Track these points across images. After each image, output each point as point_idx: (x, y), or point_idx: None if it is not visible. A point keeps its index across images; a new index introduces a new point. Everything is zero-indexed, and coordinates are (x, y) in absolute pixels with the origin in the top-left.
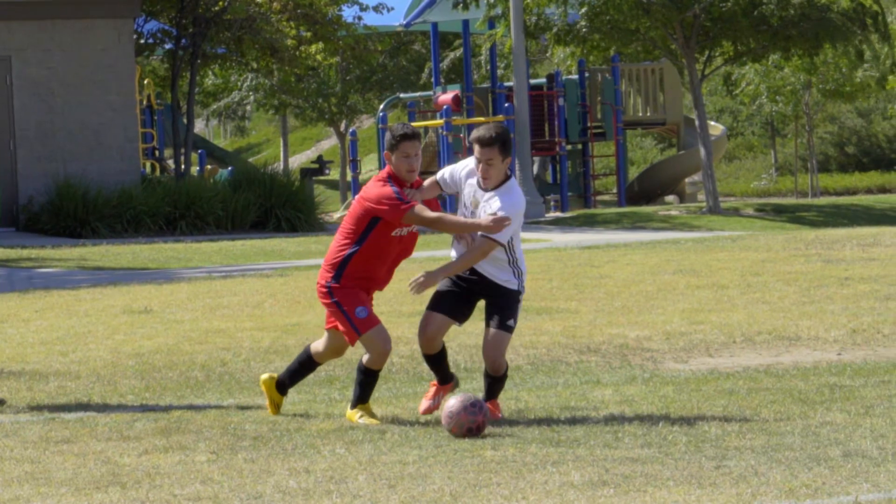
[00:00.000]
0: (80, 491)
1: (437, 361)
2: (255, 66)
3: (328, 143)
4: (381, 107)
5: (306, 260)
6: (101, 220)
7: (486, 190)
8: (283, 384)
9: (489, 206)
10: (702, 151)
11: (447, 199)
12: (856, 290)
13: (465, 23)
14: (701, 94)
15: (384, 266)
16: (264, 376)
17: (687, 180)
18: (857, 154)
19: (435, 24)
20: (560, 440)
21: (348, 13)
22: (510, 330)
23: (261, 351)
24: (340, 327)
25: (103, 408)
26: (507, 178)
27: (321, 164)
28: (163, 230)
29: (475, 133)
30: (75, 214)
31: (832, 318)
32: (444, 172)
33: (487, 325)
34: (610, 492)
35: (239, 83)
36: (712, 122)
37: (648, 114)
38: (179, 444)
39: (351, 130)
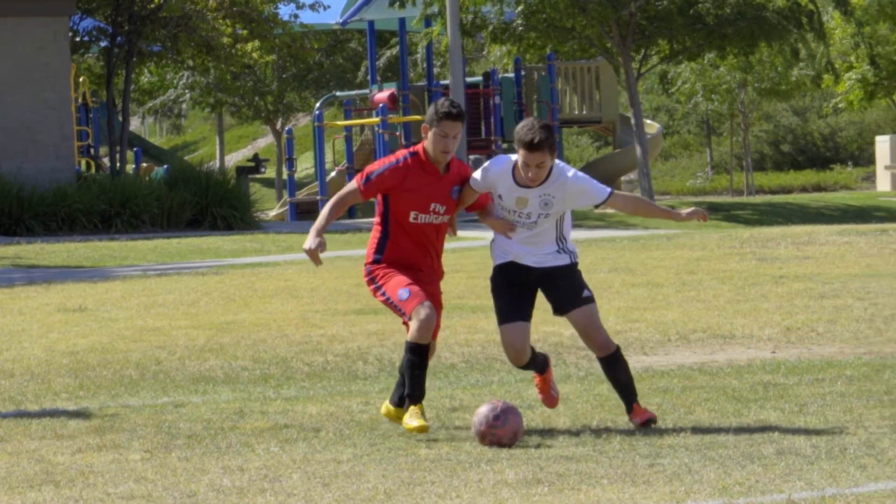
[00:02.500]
0: (14, 490)
1: (529, 363)
2: (190, 63)
3: (264, 142)
4: (318, 105)
5: (242, 258)
6: (35, 218)
7: (528, 187)
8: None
9: (564, 196)
10: (637, 150)
11: None
12: (790, 288)
13: (402, 21)
14: (637, 92)
15: (425, 253)
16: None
17: (623, 178)
18: (792, 153)
19: (371, 23)
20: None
21: (284, 11)
22: (591, 300)
23: (196, 349)
24: (393, 312)
25: (37, 406)
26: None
27: (257, 162)
28: (98, 228)
29: (521, 136)
30: (10, 212)
31: (766, 317)
32: (476, 175)
33: (566, 310)
34: (544, 490)
35: (175, 81)
36: (648, 121)
37: (584, 112)
38: (113, 443)
39: (287, 129)
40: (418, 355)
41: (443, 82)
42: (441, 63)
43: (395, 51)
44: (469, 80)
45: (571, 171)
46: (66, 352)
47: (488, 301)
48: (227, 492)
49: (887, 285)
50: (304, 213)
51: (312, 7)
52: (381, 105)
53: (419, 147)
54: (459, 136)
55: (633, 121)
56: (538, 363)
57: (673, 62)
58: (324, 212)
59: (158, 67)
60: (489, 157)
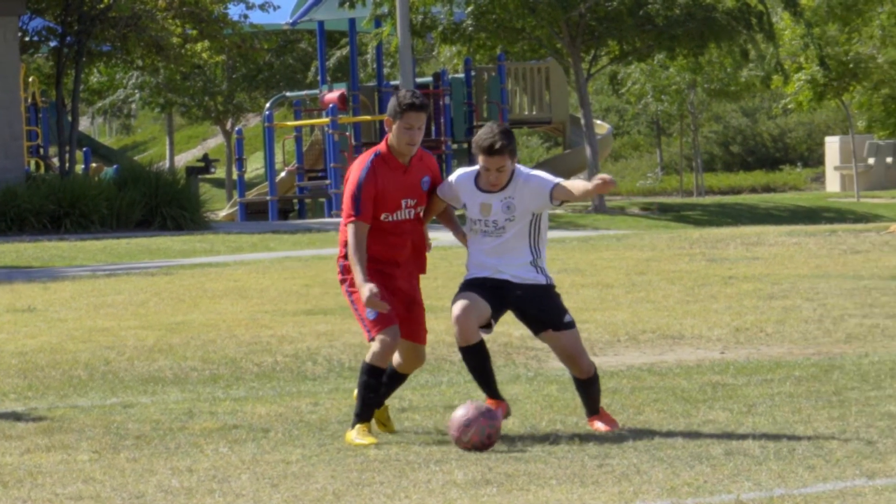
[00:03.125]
0: None
1: (481, 363)
2: (140, 63)
3: (214, 142)
4: (268, 105)
5: (191, 258)
6: None
7: (490, 192)
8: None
9: (522, 196)
10: (587, 150)
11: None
12: (739, 288)
13: (352, 21)
14: (587, 92)
15: (402, 247)
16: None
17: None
18: (741, 153)
19: (321, 23)
20: (444, 439)
21: (234, 11)
22: (574, 326)
23: (145, 349)
24: (360, 327)
25: None
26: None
27: (207, 162)
28: (47, 228)
29: (480, 141)
30: None
31: (716, 317)
32: (444, 183)
33: (546, 332)
34: (493, 490)
35: (124, 81)
36: (598, 121)
37: (534, 112)
38: (62, 444)
39: (237, 129)
40: (375, 377)
41: (393, 83)
42: (391, 63)
43: (344, 51)
44: (419, 80)
45: (526, 171)
46: (14, 352)
47: (437, 301)
48: (175, 493)
49: (836, 286)
50: (253, 213)
51: (262, 7)
52: (330, 105)
53: (381, 145)
54: (423, 126)
55: (582, 121)
56: (492, 382)
57: (623, 63)
58: (354, 265)
59: (108, 67)
60: (439, 157)
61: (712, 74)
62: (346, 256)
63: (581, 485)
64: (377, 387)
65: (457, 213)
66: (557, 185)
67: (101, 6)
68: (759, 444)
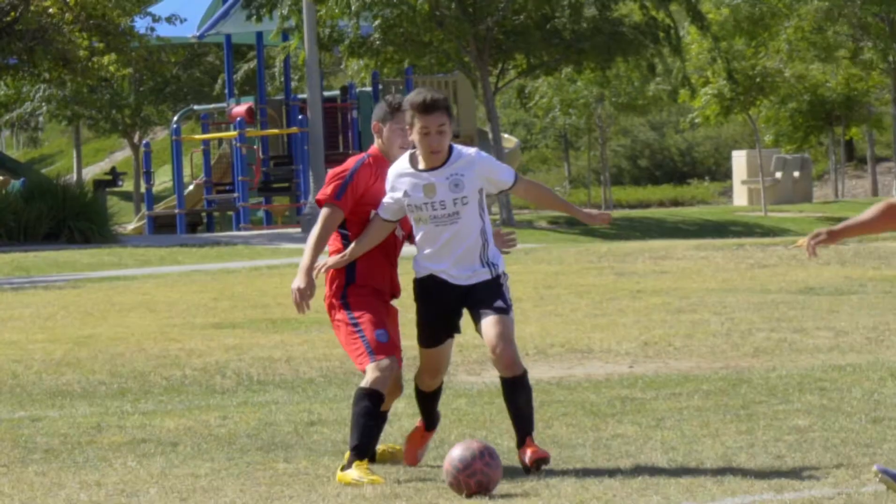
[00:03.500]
0: None
1: (433, 399)
2: (47, 76)
3: (122, 155)
4: (175, 118)
5: (99, 272)
6: None
7: (433, 169)
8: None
9: (473, 174)
10: None
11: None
12: (647, 302)
13: (259, 35)
14: (494, 106)
15: (391, 267)
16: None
17: None
18: (649, 167)
19: (228, 36)
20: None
21: (141, 24)
22: (506, 311)
23: (53, 363)
24: (350, 351)
25: None
26: (450, 147)
27: (114, 175)
28: None
29: (412, 100)
30: None
31: (624, 331)
32: (383, 203)
33: (478, 321)
34: None
35: (31, 94)
36: (506, 135)
37: None
38: None
39: (144, 142)
40: (374, 402)
41: (300, 96)
42: (299, 77)
43: (252, 64)
44: (327, 93)
45: (473, 149)
46: None
47: None
48: None
49: (744, 300)
50: (162, 226)
51: (169, 20)
52: (238, 119)
53: (371, 150)
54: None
55: (490, 135)
56: (434, 413)
57: (530, 76)
58: (308, 248)
59: (14, 80)
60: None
61: (620, 88)
62: (348, 283)
63: (490, 499)
64: (376, 414)
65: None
66: (519, 178)
67: (8, 19)
68: (668, 457)
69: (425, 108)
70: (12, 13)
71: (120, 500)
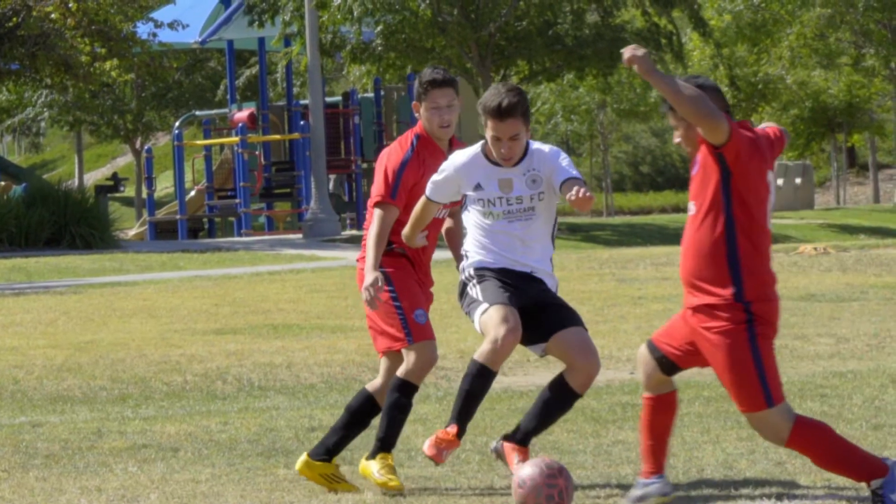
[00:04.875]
0: None
1: (483, 391)
2: (49, 82)
3: (123, 160)
4: (177, 124)
5: (101, 277)
6: None
7: (512, 166)
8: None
9: (548, 170)
10: None
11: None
12: (649, 309)
13: (261, 40)
14: None
15: (427, 260)
16: (299, 464)
17: None
18: (651, 173)
19: (231, 42)
20: (353, 459)
21: (143, 30)
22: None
23: (54, 368)
24: (384, 328)
25: None
26: (527, 144)
27: (116, 181)
28: None
29: (487, 102)
30: None
31: (625, 337)
32: (434, 179)
33: (556, 330)
34: None
35: (33, 99)
36: None
37: None
38: None
39: (146, 147)
40: (408, 396)
41: (302, 102)
42: (301, 82)
43: (254, 70)
44: (328, 99)
45: (547, 146)
46: None
47: (348, 321)
48: None
49: None
50: (163, 232)
51: (171, 26)
52: (240, 124)
53: (418, 129)
54: (456, 105)
55: None
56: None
57: (532, 83)
58: (370, 249)
59: (16, 86)
60: (349, 176)
61: (622, 94)
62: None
63: (490, 502)
64: (408, 407)
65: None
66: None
67: (10, 25)
68: (669, 463)
69: (499, 114)
70: (14, 18)
71: None
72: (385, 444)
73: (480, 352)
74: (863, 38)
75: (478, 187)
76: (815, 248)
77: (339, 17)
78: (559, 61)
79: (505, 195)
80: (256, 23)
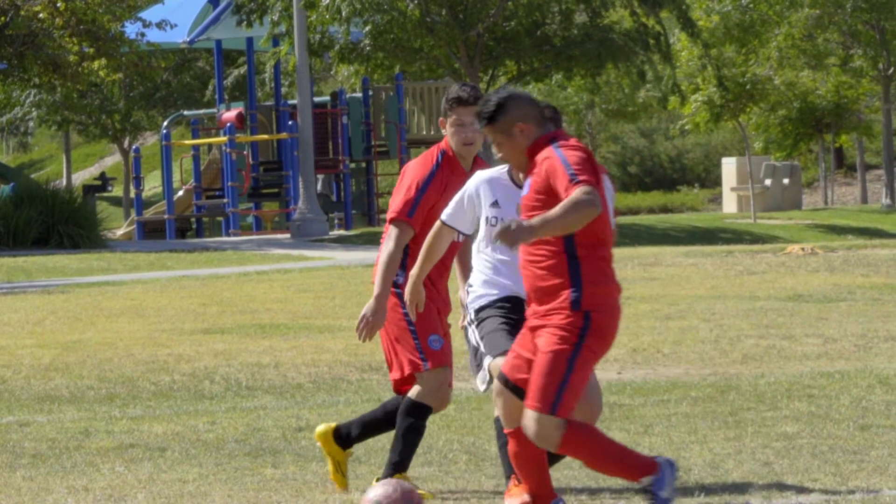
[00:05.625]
0: None
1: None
2: (37, 81)
3: (112, 160)
4: (165, 124)
5: (88, 277)
6: None
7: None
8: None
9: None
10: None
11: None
12: (637, 309)
13: (250, 40)
14: None
15: (443, 281)
16: (320, 428)
17: None
18: (639, 174)
19: (219, 42)
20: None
21: (131, 30)
22: None
23: (41, 368)
24: (399, 353)
25: None
26: None
27: (104, 180)
28: None
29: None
30: None
31: None
32: (453, 211)
33: None
34: None
35: (21, 99)
36: None
37: (433, 132)
38: None
39: (134, 147)
40: (423, 419)
41: (291, 102)
42: (289, 82)
43: (242, 70)
44: (317, 99)
45: None
46: None
47: (336, 321)
48: None
49: (733, 307)
50: (151, 231)
51: (159, 25)
52: (228, 124)
53: (444, 145)
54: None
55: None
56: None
57: (520, 83)
58: (381, 271)
59: (4, 85)
60: (337, 177)
61: (610, 95)
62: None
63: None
64: (423, 429)
65: None
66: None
67: None
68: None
69: (463, 102)
70: (2, 18)
71: None
72: (399, 468)
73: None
74: (851, 39)
75: (495, 204)
76: (803, 249)
77: (327, 17)
78: (547, 62)
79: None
80: (245, 23)
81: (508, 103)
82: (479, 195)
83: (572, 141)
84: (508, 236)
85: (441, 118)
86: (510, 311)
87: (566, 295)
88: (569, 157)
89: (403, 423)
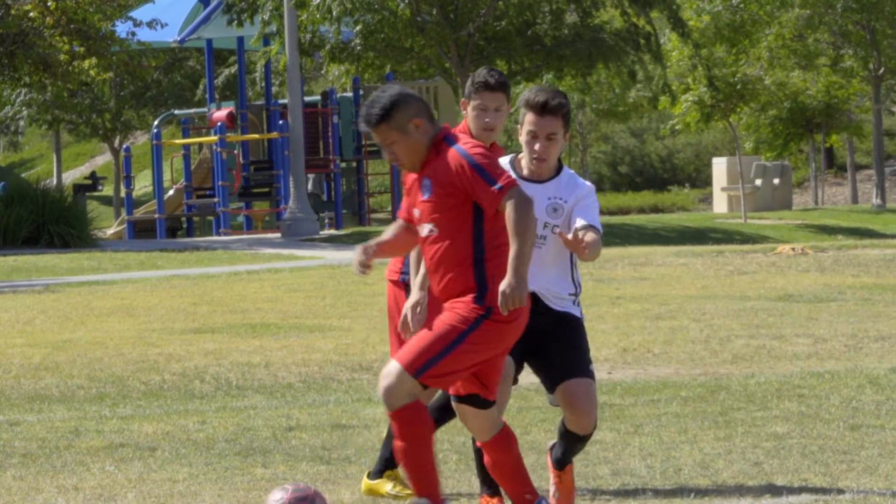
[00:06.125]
0: None
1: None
2: (27, 80)
3: (102, 159)
4: (156, 123)
5: (79, 276)
6: None
7: (537, 182)
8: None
9: (573, 204)
10: None
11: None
12: (627, 309)
13: (240, 39)
14: None
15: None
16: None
17: None
18: (630, 174)
19: (209, 41)
20: (331, 458)
21: (122, 29)
22: (594, 375)
23: (31, 367)
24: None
25: None
26: (561, 164)
27: (94, 180)
28: None
29: (530, 97)
30: None
31: (603, 337)
32: None
33: (561, 378)
34: None
35: (11, 98)
36: None
37: None
38: None
39: (125, 146)
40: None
41: (281, 101)
42: (279, 82)
43: (233, 69)
44: (307, 99)
45: (589, 183)
46: None
47: (325, 320)
48: None
49: (723, 307)
50: (141, 231)
51: (150, 25)
52: (218, 123)
53: (461, 128)
54: (504, 111)
55: None
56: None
57: (511, 83)
58: (413, 264)
59: None
60: (328, 176)
61: (601, 95)
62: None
63: (467, 502)
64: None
65: None
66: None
67: None
68: (646, 464)
69: (541, 109)
70: None
71: None
72: (392, 463)
73: None
74: (841, 39)
75: None
76: (793, 249)
77: (318, 16)
78: (538, 61)
79: None
80: (235, 22)
81: (401, 99)
82: None
83: (465, 137)
84: (511, 300)
85: (463, 100)
86: None
87: (473, 294)
88: (478, 159)
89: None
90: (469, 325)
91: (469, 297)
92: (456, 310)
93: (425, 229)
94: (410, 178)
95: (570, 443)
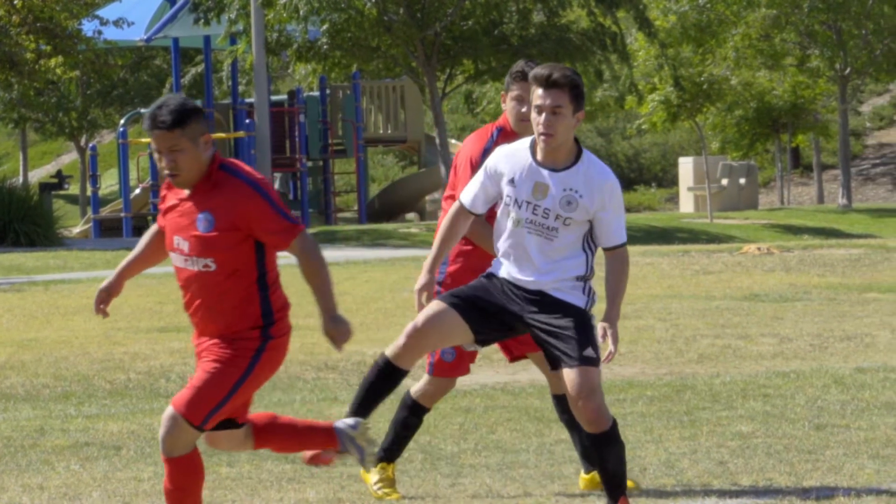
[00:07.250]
0: None
1: (385, 389)
2: None
3: (68, 158)
4: (122, 122)
5: (44, 275)
6: None
7: (552, 170)
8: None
9: (591, 198)
10: (442, 169)
11: None
12: (593, 309)
13: (207, 38)
14: (442, 111)
15: None
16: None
17: (427, 198)
18: None
19: (176, 40)
20: (296, 457)
21: (88, 27)
22: (595, 363)
23: None
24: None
25: None
26: (580, 149)
27: (60, 178)
28: None
29: (535, 71)
30: None
31: None
32: (473, 191)
33: (559, 365)
34: None
35: None
36: (453, 140)
37: (389, 131)
38: None
39: (91, 145)
40: (417, 415)
41: (248, 100)
42: (246, 81)
43: (200, 68)
44: (274, 98)
45: (614, 177)
46: None
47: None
48: None
49: (688, 306)
50: (108, 230)
51: (116, 23)
52: None
53: (502, 122)
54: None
55: (437, 140)
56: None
57: (478, 82)
58: (434, 246)
59: None
60: (295, 175)
61: None
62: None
63: (433, 503)
64: (417, 425)
65: None
66: (624, 247)
67: None
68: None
69: (545, 83)
70: None
71: (62, 503)
72: (388, 456)
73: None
74: (808, 39)
75: (511, 182)
76: (759, 248)
77: (284, 15)
78: (505, 61)
79: (535, 201)
80: (202, 21)
81: (198, 110)
82: (497, 171)
83: (238, 162)
84: (344, 338)
85: (503, 92)
86: (503, 288)
87: (258, 330)
88: (268, 191)
89: (400, 414)
90: (251, 359)
91: (255, 334)
92: (237, 347)
93: (197, 263)
94: (171, 197)
95: (596, 452)
